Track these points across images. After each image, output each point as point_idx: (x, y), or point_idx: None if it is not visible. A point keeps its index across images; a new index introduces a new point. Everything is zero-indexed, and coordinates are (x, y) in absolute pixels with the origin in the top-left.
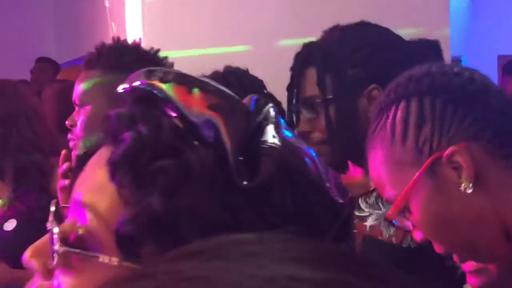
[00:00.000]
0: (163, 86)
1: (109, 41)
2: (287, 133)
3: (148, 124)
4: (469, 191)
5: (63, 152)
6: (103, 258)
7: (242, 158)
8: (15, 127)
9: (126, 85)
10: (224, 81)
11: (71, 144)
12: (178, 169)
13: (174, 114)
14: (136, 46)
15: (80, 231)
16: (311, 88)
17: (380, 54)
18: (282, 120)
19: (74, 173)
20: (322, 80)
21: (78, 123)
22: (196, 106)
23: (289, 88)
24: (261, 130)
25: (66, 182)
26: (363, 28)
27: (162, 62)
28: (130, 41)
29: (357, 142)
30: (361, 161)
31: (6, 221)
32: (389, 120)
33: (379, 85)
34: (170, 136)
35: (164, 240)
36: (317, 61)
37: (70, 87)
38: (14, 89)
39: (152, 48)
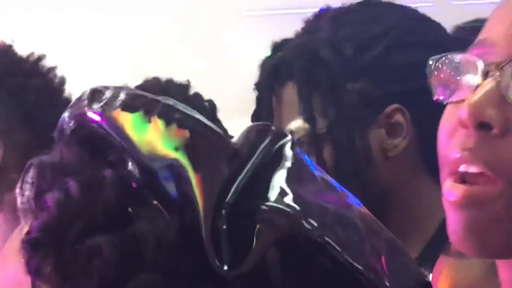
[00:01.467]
0: (109, 115)
1: None
2: (324, 184)
3: (83, 178)
4: None
5: None
6: None
7: (224, 227)
8: None
9: (64, 118)
10: None
11: None
12: (122, 250)
13: (123, 160)
14: (7, 50)
15: None
16: (290, 116)
17: (401, 54)
18: (311, 164)
19: None
20: (307, 103)
21: None
22: (155, 145)
23: (255, 118)
24: (263, 182)
25: None
26: (370, 11)
27: (48, 76)
28: None
29: (369, 200)
30: None
31: None
32: None
33: (404, 105)
34: (113, 196)
35: None
36: (298, 73)
37: None
38: None
39: (32, 54)
